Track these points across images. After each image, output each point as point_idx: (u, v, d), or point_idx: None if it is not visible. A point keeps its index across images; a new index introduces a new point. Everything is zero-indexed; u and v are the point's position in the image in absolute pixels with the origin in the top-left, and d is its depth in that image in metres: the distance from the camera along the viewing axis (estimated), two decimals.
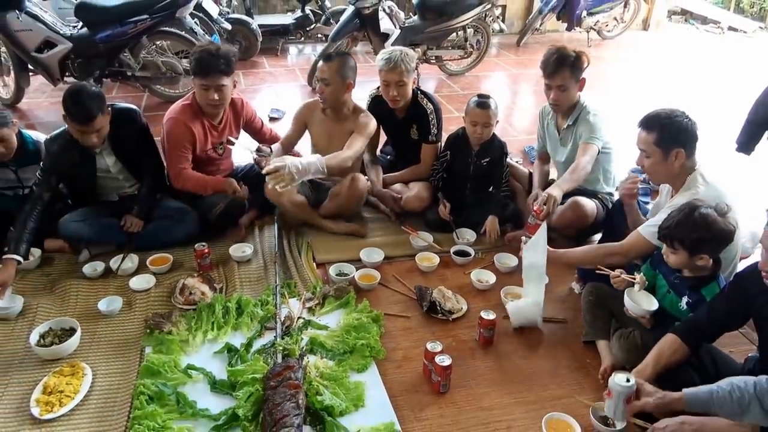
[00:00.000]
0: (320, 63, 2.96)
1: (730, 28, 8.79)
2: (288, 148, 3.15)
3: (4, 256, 2.49)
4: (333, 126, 3.06)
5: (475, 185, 3.21)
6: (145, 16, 4.35)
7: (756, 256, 2.73)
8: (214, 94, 2.79)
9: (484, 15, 5.76)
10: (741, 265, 2.30)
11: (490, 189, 3.21)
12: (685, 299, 2.11)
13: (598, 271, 2.32)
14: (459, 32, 5.71)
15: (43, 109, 4.99)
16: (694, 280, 2.08)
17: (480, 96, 3.06)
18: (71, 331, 2.30)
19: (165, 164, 3.00)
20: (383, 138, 3.56)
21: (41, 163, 2.76)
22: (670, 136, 2.25)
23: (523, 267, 2.47)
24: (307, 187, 3.17)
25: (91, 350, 2.28)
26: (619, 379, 1.82)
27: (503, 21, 7.80)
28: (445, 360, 2.09)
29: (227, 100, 2.92)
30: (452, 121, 4.26)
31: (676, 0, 9.48)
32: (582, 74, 2.87)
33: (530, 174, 3.34)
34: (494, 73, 6.43)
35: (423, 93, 3.26)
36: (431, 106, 3.20)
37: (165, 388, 2.02)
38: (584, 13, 7.15)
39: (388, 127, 3.40)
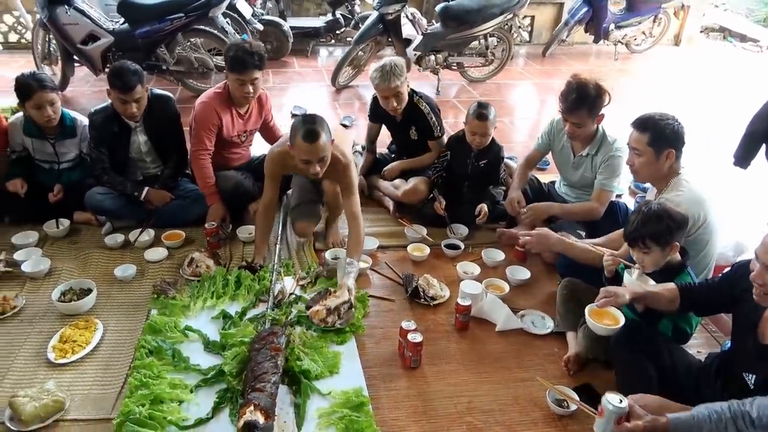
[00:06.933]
0: (308, 146, 2.50)
1: None
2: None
3: (144, 193, 3.10)
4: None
5: (472, 184, 3.37)
6: (180, 15, 4.69)
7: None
8: (249, 87, 3.04)
9: (506, 24, 5.90)
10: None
11: (488, 188, 3.37)
12: None
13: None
14: (481, 40, 5.86)
15: (86, 97, 5.37)
16: (666, 272, 2.18)
17: (479, 106, 3.18)
18: (88, 291, 2.58)
19: (189, 146, 3.25)
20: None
21: (89, 136, 3.10)
22: (663, 137, 2.40)
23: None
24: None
25: (105, 309, 2.56)
26: (611, 398, 1.76)
27: (531, 31, 7.93)
28: (416, 337, 2.27)
29: (258, 92, 3.16)
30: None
31: (714, 17, 9.38)
32: (601, 111, 2.83)
33: None
34: (516, 82, 6.55)
35: (417, 94, 3.43)
36: (428, 107, 3.39)
37: (163, 344, 2.27)
38: (612, 26, 7.19)
39: (390, 126, 3.63)
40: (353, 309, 2.47)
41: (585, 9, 6.93)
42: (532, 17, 7.85)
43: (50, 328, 2.42)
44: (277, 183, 2.85)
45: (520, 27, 7.46)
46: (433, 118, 3.39)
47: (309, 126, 2.50)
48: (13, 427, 1.93)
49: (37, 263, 2.78)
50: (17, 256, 2.85)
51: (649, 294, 2.06)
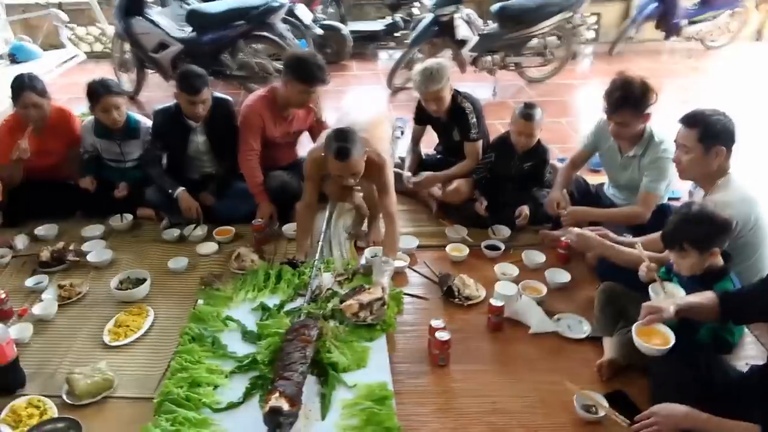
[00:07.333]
0: (340, 164, 2.59)
1: None
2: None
3: (177, 192, 3.26)
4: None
5: (516, 186, 3.33)
6: (242, 22, 4.93)
7: None
8: (308, 97, 3.20)
9: (567, 23, 5.75)
10: None
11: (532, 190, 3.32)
12: None
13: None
14: (539, 39, 5.74)
15: (158, 101, 5.66)
16: (706, 278, 2.10)
17: (526, 106, 3.15)
18: (143, 281, 2.79)
19: None
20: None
21: (150, 131, 3.38)
22: (713, 132, 2.30)
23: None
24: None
25: (157, 298, 2.76)
26: None
27: (598, 29, 7.67)
28: (444, 335, 2.29)
29: (313, 100, 3.33)
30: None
31: None
32: (647, 109, 2.72)
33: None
34: (579, 82, 6.36)
35: (461, 94, 3.41)
36: (470, 105, 3.35)
37: (205, 332, 2.42)
38: (684, 21, 6.83)
39: (435, 127, 3.63)
40: (386, 306, 2.52)
41: (654, 4, 6.62)
42: (598, 15, 7.58)
43: (108, 313, 2.64)
44: (317, 184, 2.93)
45: (581, 25, 7.22)
46: (473, 119, 3.34)
47: (341, 144, 2.54)
48: (68, 401, 2.13)
49: (101, 254, 3.04)
50: (85, 247, 3.12)
51: (693, 305, 1.98)
